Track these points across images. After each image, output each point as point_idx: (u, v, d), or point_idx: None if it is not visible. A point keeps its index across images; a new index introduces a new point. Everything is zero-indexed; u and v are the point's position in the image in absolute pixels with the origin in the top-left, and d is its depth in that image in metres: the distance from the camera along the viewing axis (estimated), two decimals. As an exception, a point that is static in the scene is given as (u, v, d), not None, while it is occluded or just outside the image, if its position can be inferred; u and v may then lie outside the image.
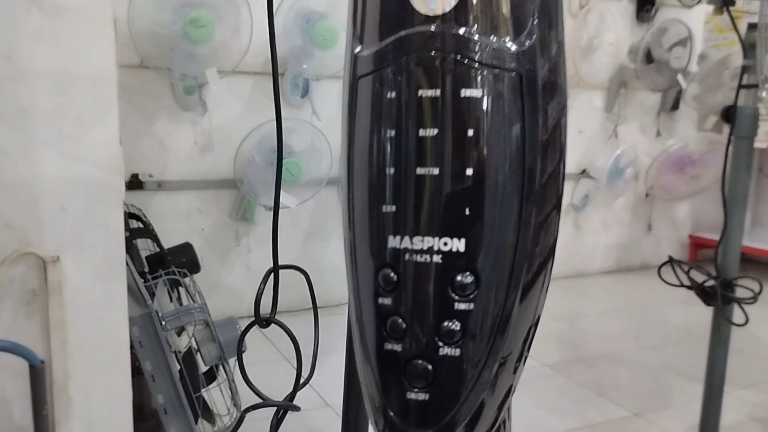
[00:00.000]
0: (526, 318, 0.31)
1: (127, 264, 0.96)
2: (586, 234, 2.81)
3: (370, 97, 0.30)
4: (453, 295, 0.29)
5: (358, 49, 0.31)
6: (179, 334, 1.22)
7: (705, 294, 1.13)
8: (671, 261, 1.15)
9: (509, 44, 0.29)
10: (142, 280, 1.11)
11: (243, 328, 0.46)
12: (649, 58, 2.56)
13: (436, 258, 0.29)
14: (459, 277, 0.29)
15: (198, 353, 1.17)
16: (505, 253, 0.29)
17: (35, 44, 0.82)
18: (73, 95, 0.85)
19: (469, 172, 0.28)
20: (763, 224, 3.09)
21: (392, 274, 0.30)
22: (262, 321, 0.44)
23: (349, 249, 0.32)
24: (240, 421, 0.47)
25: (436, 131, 0.29)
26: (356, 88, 0.31)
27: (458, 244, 0.29)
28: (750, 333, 1.29)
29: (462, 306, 0.29)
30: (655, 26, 2.57)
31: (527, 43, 0.29)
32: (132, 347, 0.98)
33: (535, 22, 0.29)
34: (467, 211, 0.29)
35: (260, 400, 0.46)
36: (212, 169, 2.07)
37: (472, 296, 0.29)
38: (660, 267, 1.17)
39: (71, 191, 0.86)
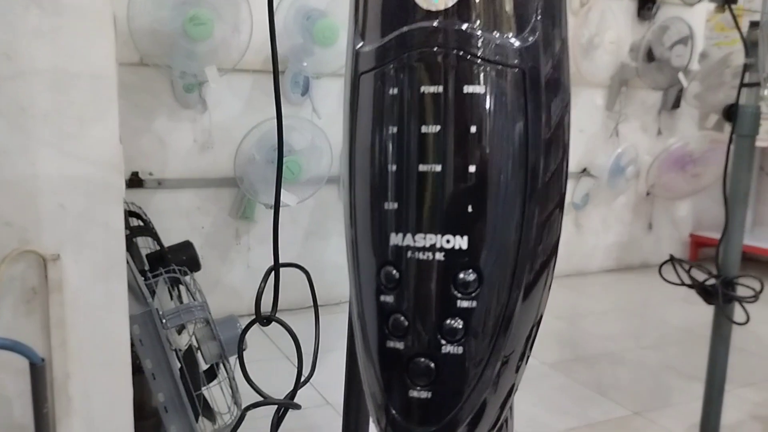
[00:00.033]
0: (528, 316, 0.31)
1: (128, 262, 0.95)
2: (587, 233, 2.81)
3: (372, 93, 0.30)
4: (455, 292, 0.28)
5: (359, 45, 0.31)
6: (180, 332, 1.22)
7: (706, 293, 1.12)
8: (672, 260, 1.15)
9: (512, 40, 0.29)
10: (143, 279, 1.11)
11: (243, 327, 0.46)
12: (650, 56, 2.55)
13: (439, 255, 0.29)
14: (461, 275, 0.28)
15: (198, 351, 1.16)
16: (507, 250, 0.29)
17: (34, 42, 0.82)
18: (72, 93, 0.85)
19: (472, 169, 0.28)
20: (763, 223, 3.09)
21: (394, 271, 0.29)
22: (262, 319, 0.44)
23: (351, 246, 0.32)
24: (241, 419, 0.47)
25: (438, 128, 0.28)
26: (358, 84, 0.31)
27: (461, 242, 0.28)
28: (751, 332, 1.29)
29: (464, 304, 0.29)
30: (657, 24, 2.57)
31: (530, 39, 0.29)
32: (132, 345, 0.98)
33: (538, 18, 0.29)
34: (470, 209, 0.28)
35: (261, 399, 0.46)
36: (212, 167, 2.07)
37: (474, 294, 0.29)
38: (661, 266, 1.17)
39: (71, 189, 0.86)
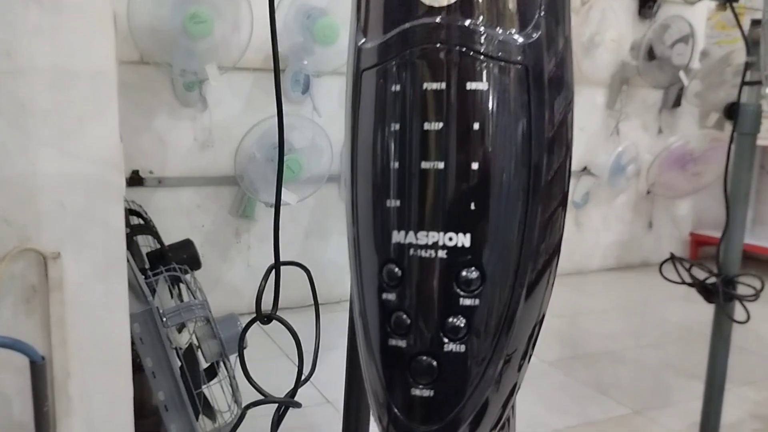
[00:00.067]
0: (531, 315, 0.31)
1: (128, 261, 0.95)
2: (587, 231, 2.80)
3: (374, 90, 0.30)
4: (458, 290, 0.28)
5: (361, 41, 0.31)
6: (180, 331, 1.21)
7: (707, 291, 1.12)
8: (673, 258, 1.15)
9: (515, 36, 0.28)
10: (143, 277, 1.11)
11: (243, 325, 0.45)
12: (651, 54, 2.55)
13: (441, 253, 0.28)
14: (464, 273, 0.28)
15: (199, 350, 1.16)
16: (510, 248, 0.29)
17: (34, 40, 0.81)
18: (72, 91, 0.85)
19: (475, 166, 0.28)
20: (764, 222, 3.09)
21: (396, 269, 0.29)
22: (263, 317, 0.43)
23: (353, 244, 0.31)
24: (241, 417, 0.47)
25: (441, 125, 0.28)
26: (360, 81, 0.31)
27: (463, 239, 0.28)
28: (751, 330, 1.29)
29: (467, 302, 0.28)
30: (657, 23, 2.57)
31: (534, 35, 0.29)
32: (133, 344, 0.98)
33: (541, 15, 0.29)
34: (472, 206, 0.28)
35: (261, 397, 0.45)
36: (212, 165, 2.06)
37: (477, 292, 0.28)
38: (661, 264, 1.17)
39: (71, 188, 0.86)
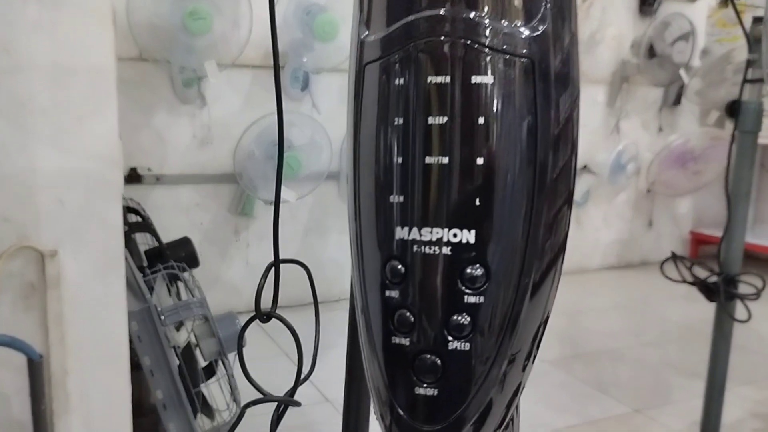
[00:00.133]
0: (536, 314, 0.30)
1: (126, 258, 0.95)
2: (587, 230, 2.80)
3: (377, 84, 0.30)
4: (462, 288, 0.28)
5: (364, 34, 0.30)
6: (178, 329, 1.21)
7: (708, 290, 1.12)
8: (674, 257, 1.14)
9: (521, 29, 0.28)
10: (141, 275, 1.10)
11: (242, 323, 0.45)
12: (651, 52, 2.55)
13: (445, 250, 0.28)
14: (469, 270, 0.28)
15: (197, 348, 1.16)
16: (515, 246, 0.28)
17: (33, 36, 0.81)
18: (71, 88, 0.84)
19: (480, 161, 0.28)
20: (764, 221, 3.09)
21: (400, 266, 0.29)
22: (262, 315, 0.43)
23: (355, 241, 0.31)
24: (240, 416, 0.46)
25: (445, 119, 0.28)
26: (362, 75, 0.30)
27: (468, 236, 0.28)
28: (752, 329, 1.29)
29: (472, 299, 0.28)
30: (658, 20, 2.56)
31: (540, 28, 0.28)
32: (131, 342, 0.97)
33: (548, 7, 0.28)
34: (477, 202, 0.28)
35: (260, 396, 0.45)
36: (211, 162, 2.06)
37: (482, 289, 0.28)
38: (662, 263, 1.17)
39: (70, 185, 0.85)
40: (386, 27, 0.29)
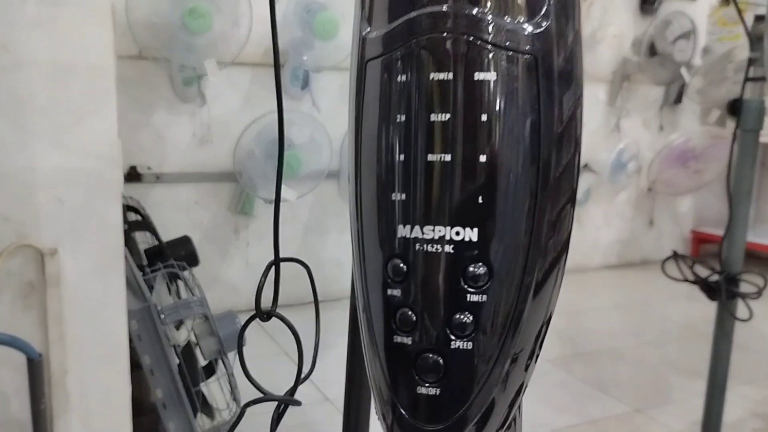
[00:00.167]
0: (538, 313, 0.30)
1: (126, 257, 0.94)
2: (588, 228, 2.80)
3: (379, 81, 0.29)
4: (465, 286, 0.28)
5: (366, 31, 0.30)
6: (178, 328, 1.21)
7: (709, 289, 1.12)
8: (675, 256, 1.14)
9: (525, 25, 0.28)
10: (141, 274, 1.10)
11: (242, 322, 0.45)
12: (652, 51, 2.54)
13: (448, 248, 0.28)
14: (471, 268, 0.27)
15: (197, 347, 1.16)
16: (518, 244, 0.28)
17: (32, 33, 0.81)
18: (70, 86, 0.84)
19: (483, 158, 0.27)
20: (766, 220, 3.08)
21: (402, 264, 0.28)
22: (263, 314, 0.43)
23: (357, 239, 0.31)
24: (240, 415, 0.46)
25: (447, 116, 0.27)
26: (364, 72, 0.30)
27: (470, 234, 0.27)
28: (754, 329, 1.29)
29: (474, 298, 0.28)
30: (659, 19, 2.56)
31: (543, 24, 0.28)
32: (131, 341, 0.97)
33: (551, 3, 0.28)
34: (480, 200, 0.27)
35: (260, 395, 0.45)
36: (211, 161, 2.05)
37: (484, 288, 0.28)
38: (664, 262, 1.16)
39: (69, 183, 0.85)
40: (388, 23, 0.29)
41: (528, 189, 0.28)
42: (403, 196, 0.28)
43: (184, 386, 1.04)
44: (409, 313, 0.28)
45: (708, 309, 1.19)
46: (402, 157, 0.28)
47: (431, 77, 0.28)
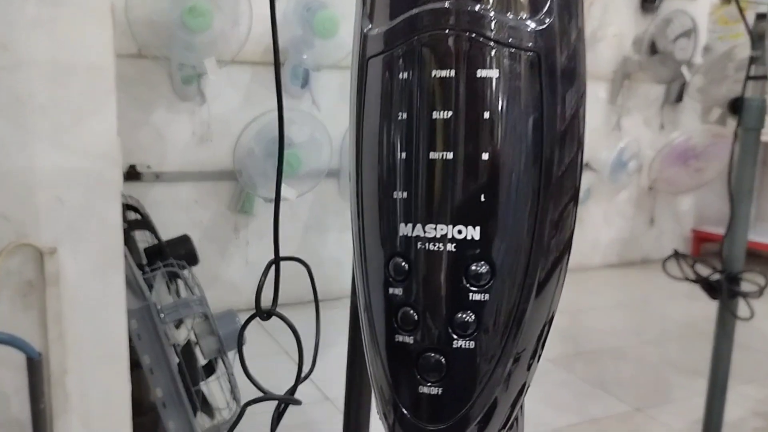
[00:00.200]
0: (541, 312, 0.30)
1: (125, 256, 0.94)
2: (588, 227, 2.80)
3: (380, 78, 0.29)
4: (467, 285, 0.27)
5: (367, 27, 0.30)
6: (178, 327, 1.21)
7: (710, 288, 1.12)
8: (676, 254, 1.14)
9: (528, 22, 0.27)
10: (141, 273, 1.10)
11: (242, 321, 0.44)
12: (653, 49, 2.54)
13: (450, 246, 0.27)
14: (473, 267, 0.27)
15: (197, 346, 1.16)
16: (521, 242, 0.28)
17: (31, 32, 0.80)
18: (70, 85, 0.84)
19: (485, 156, 0.27)
20: (767, 219, 3.08)
21: (403, 263, 0.28)
22: (263, 313, 0.43)
23: (358, 238, 0.30)
24: (241, 414, 0.46)
25: (449, 114, 0.27)
26: (365, 69, 0.30)
27: (473, 232, 0.27)
28: (755, 328, 1.28)
29: (477, 297, 0.27)
30: (660, 17, 2.56)
31: (546, 21, 0.27)
32: (130, 340, 0.97)
33: (554, 0, 0.28)
34: (482, 198, 0.27)
35: (260, 394, 0.45)
36: (211, 160, 2.05)
37: (487, 287, 0.27)
38: (665, 261, 1.16)
39: (68, 183, 0.85)
40: (390, 20, 0.29)
41: (530, 187, 0.28)
42: (405, 195, 0.28)
43: (184, 385, 1.04)
44: (411, 312, 0.28)
45: (709, 308, 1.19)
46: (403, 155, 0.28)
47: (433, 74, 0.27)
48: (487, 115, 0.27)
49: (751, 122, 1.12)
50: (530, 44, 0.28)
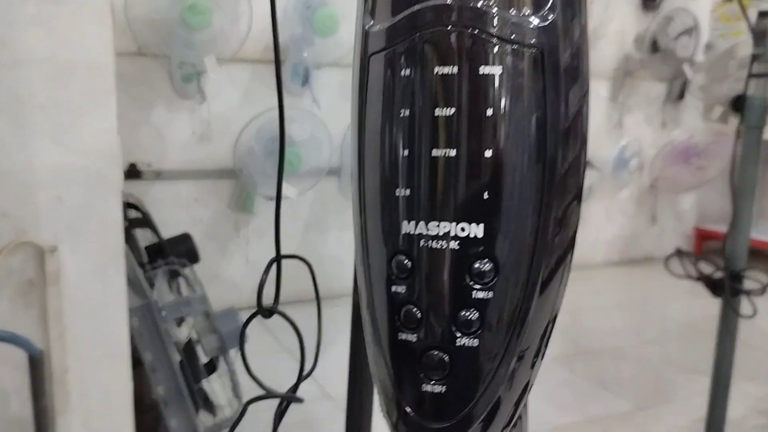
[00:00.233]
0: (545, 311, 0.29)
1: (126, 254, 0.94)
2: (590, 225, 2.79)
3: (382, 75, 0.29)
4: (471, 282, 0.27)
5: (369, 24, 0.29)
6: (179, 325, 1.21)
7: (713, 286, 1.12)
8: (679, 252, 1.14)
9: (531, 18, 0.27)
10: (142, 271, 1.10)
11: (243, 320, 0.44)
12: (654, 47, 2.54)
13: (453, 244, 0.27)
14: (477, 264, 0.27)
15: (198, 344, 1.16)
16: (524, 240, 0.28)
17: (31, 30, 0.80)
18: (70, 83, 0.83)
19: (488, 153, 0.27)
20: (767, 216, 3.08)
21: (406, 261, 0.28)
22: (265, 311, 0.42)
23: (360, 235, 0.30)
24: (243, 412, 0.46)
25: (452, 111, 0.27)
26: (367, 66, 0.30)
27: (476, 230, 0.27)
28: (756, 326, 1.28)
29: (480, 294, 0.27)
30: (661, 15, 2.55)
31: (549, 18, 0.27)
32: (132, 338, 0.97)
33: (557, -3, 0.27)
34: (485, 195, 0.27)
35: (262, 392, 0.45)
36: (211, 158, 2.05)
37: (490, 284, 0.27)
38: (667, 258, 1.16)
39: (69, 181, 0.85)
40: (391, 16, 0.28)
41: (534, 185, 0.28)
42: (407, 192, 0.28)
43: (186, 383, 1.04)
44: (414, 309, 0.28)
45: (711, 306, 1.19)
46: (406, 152, 0.28)
47: (435, 71, 0.27)
48: (490, 112, 0.27)
49: (754, 120, 1.11)
50: (533, 41, 0.27)
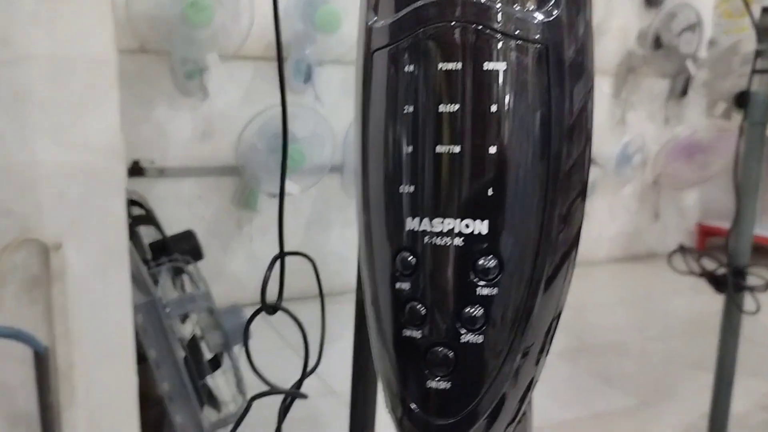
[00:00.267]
0: (549, 307, 0.29)
1: (130, 251, 0.94)
2: (593, 222, 2.79)
3: (386, 71, 0.29)
4: (475, 279, 0.27)
5: (372, 20, 0.29)
6: (183, 322, 1.21)
7: (716, 282, 1.11)
8: (682, 249, 1.14)
9: (535, 14, 0.27)
10: (146, 268, 1.10)
11: (247, 316, 0.45)
12: (657, 43, 2.53)
13: (458, 241, 0.27)
14: (481, 261, 0.27)
15: (202, 340, 1.16)
16: (529, 237, 0.28)
17: (32, 27, 0.80)
18: (71, 80, 0.83)
19: (492, 150, 0.27)
20: (770, 213, 3.07)
21: (410, 257, 0.28)
22: (269, 308, 0.43)
23: (364, 232, 0.30)
24: (247, 408, 0.46)
25: (456, 107, 0.27)
26: (371, 62, 0.29)
27: (480, 226, 0.27)
28: (759, 322, 1.28)
29: (485, 291, 0.27)
30: (664, 11, 2.54)
31: (554, 13, 0.27)
32: (137, 334, 0.97)
33: (562, -8, 0.27)
34: (490, 191, 0.27)
35: (266, 388, 0.45)
36: (214, 155, 2.05)
37: (495, 281, 0.27)
38: (670, 255, 1.16)
39: (72, 178, 0.85)
40: (395, 12, 0.28)
41: (538, 181, 0.28)
42: (412, 189, 0.28)
43: (190, 379, 1.04)
44: (419, 306, 0.28)
45: (714, 302, 1.19)
46: (410, 148, 0.28)
47: (439, 67, 0.27)
48: (494, 108, 0.27)
49: (757, 116, 1.11)
50: (537, 36, 0.27)
